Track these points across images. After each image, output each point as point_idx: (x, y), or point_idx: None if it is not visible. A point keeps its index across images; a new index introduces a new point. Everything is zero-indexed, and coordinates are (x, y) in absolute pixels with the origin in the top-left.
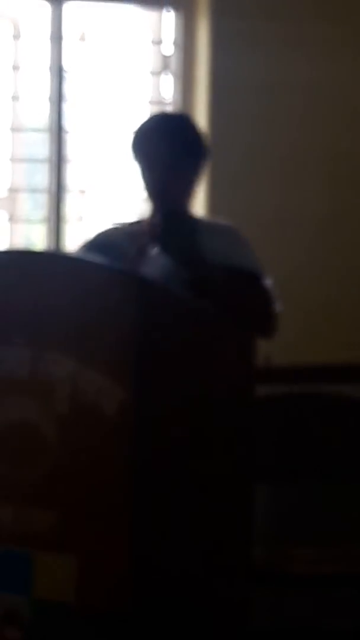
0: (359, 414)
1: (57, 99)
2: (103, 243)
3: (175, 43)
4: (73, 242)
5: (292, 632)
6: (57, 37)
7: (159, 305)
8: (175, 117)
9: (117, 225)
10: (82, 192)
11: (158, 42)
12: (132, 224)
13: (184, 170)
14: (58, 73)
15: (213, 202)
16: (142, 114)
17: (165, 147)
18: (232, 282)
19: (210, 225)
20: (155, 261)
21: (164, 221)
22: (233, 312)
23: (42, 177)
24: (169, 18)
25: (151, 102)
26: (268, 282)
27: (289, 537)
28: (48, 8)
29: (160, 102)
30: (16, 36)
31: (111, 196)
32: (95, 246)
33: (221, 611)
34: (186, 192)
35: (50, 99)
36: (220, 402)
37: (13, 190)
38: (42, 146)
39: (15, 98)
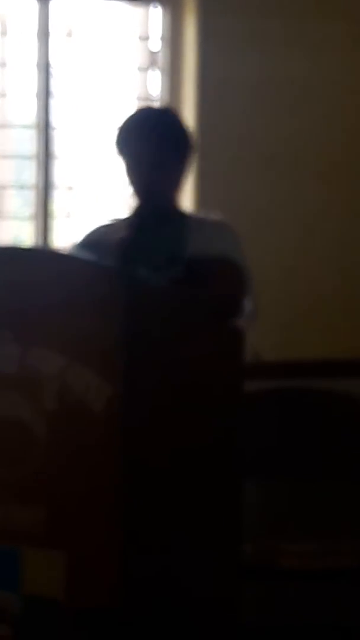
0: (348, 409)
1: (45, 95)
2: (93, 241)
3: (162, 39)
4: (61, 238)
5: (281, 627)
6: (44, 34)
7: (147, 301)
8: (160, 112)
9: (108, 223)
10: (70, 188)
11: (145, 38)
12: (121, 221)
13: (170, 166)
14: (45, 69)
15: (201, 197)
16: (129, 110)
17: (150, 144)
18: (202, 266)
19: (200, 220)
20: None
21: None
22: (201, 291)
23: (29, 173)
24: (156, 14)
25: (139, 98)
26: (245, 272)
27: (278, 532)
28: (35, 5)
29: (147, 98)
30: (3, 33)
31: (99, 192)
32: (86, 245)
33: (211, 607)
34: (172, 188)
35: (37, 95)
36: (209, 398)
37: (1, 187)
38: (29, 143)
39: (2, 95)
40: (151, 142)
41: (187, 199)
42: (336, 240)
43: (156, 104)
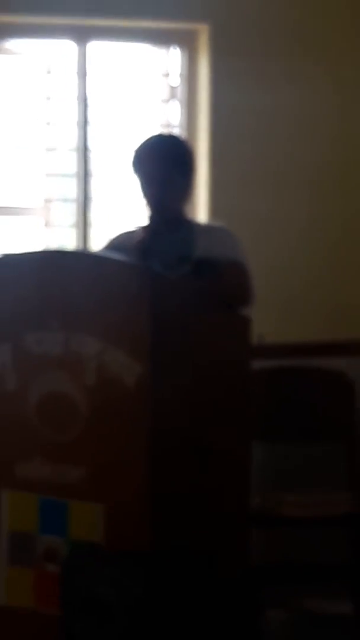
0: (338, 382)
1: (83, 123)
2: (116, 245)
3: (181, 75)
4: (98, 243)
5: (283, 566)
6: (82, 72)
7: (170, 293)
8: (168, 137)
9: (128, 230)
10: (105, 201)
11: (166, 75)
12: (139, 228)
13: (177, 183)
14: (84, 101)
15: (214, 209)
16: (149, 135)
17: (160, 165)
18: (217, 268)
19: (204, 227)
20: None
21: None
22: (219, 290)
23: (71, 189)
24: (175, 54)
25: (161, 126)
26: (247, 267)
27: (281, 485)
28: (75, 47)
29: (168, 125)
30: (49, 71)
31: (128, 204)
32: (110, 248)
33: (223, 547)
34: (179, 201)
35: (77, 123)
36: (221, 374)
37: (47, 201)
38: (71, 163)
39: (48, 123)
40: (160, 164)
41: (202, 211)
42: (329, 236)
43: (176, 131)
